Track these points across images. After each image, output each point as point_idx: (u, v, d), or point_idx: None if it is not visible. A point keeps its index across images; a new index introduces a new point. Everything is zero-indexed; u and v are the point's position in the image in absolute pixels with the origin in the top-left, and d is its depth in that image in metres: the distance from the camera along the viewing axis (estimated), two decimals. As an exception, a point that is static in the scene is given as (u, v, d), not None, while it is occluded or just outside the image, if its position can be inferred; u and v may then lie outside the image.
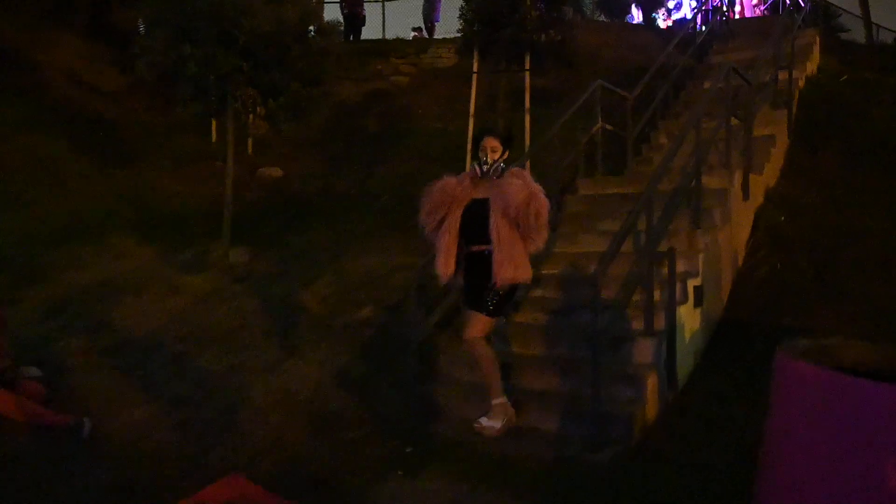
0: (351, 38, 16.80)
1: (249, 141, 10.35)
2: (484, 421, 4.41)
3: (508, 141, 4.65)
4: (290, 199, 9.24)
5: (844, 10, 21.86)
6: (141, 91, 11.04)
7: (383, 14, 18.85)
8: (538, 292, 6.03)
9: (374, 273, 6.69)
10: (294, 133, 9.44)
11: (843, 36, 20.71)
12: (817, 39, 11.64)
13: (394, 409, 5.00)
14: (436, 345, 5.54)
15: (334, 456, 4.47)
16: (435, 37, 16.36)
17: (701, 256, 5.77)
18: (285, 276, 6.96)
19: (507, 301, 4.61)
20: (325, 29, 7.19)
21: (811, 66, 10.89)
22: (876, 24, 22.06)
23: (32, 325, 5.86)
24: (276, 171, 10.11)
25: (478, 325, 4.44)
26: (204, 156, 10.25)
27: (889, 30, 21.87)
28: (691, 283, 5.51)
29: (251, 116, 6.97)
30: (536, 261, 6.32)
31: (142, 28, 7.77)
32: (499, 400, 4.44)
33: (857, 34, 21.86)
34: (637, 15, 21.45)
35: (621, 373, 4.86)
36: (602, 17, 23.05)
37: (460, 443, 4.47)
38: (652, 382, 4.83)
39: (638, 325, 5.23)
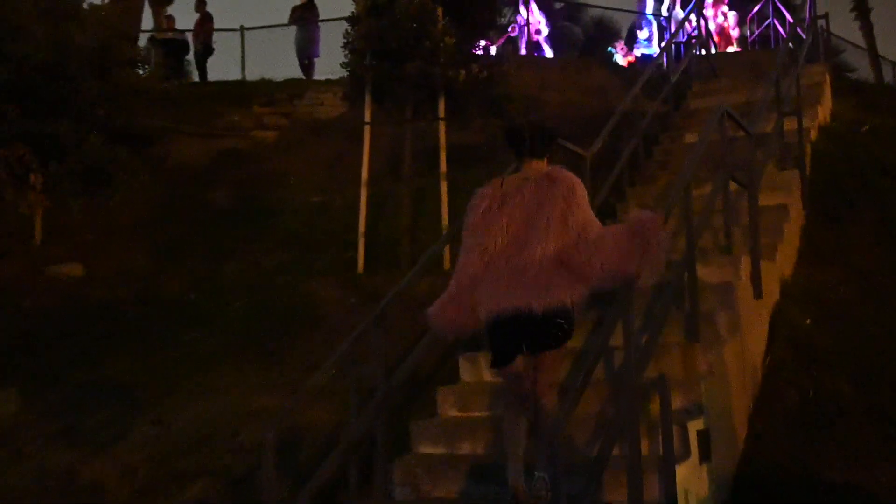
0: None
1: (38, 224, 9.71)
2: None
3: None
4: (92, 311, 8.83)
5: (848, 41, 23.11)
6: None
7: (242, 47, 18.20)
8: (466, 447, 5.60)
9: (213, 425, 6.24)
10: (106, 212, 9.11)
11: (851, 75, 21.77)
12: (827, 78, 11.88)
13: None
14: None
15: None
16: (315, 77, 16.70)
17: (703, 384, 5.50)
18: (66, 434, 6.49)
19: None
20: (139, 58, 6.70)
21: (823, 113, 11.07)
22: (882, 57, 23.40)
23: None
24: (76, 269, 9.79)
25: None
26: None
27: (897, 63, 23.22)
28: (693, 427, 5.13)
29: (23, 186, 6.43)
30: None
31: None
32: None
33: (864, 72, 23.12)
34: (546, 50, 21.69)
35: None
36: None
37: None
38: None
39: (619, 496, 4.69)
